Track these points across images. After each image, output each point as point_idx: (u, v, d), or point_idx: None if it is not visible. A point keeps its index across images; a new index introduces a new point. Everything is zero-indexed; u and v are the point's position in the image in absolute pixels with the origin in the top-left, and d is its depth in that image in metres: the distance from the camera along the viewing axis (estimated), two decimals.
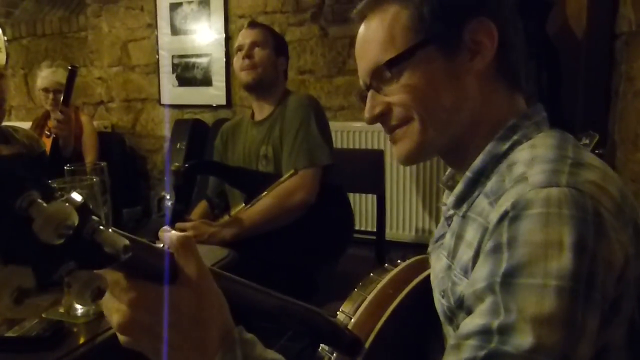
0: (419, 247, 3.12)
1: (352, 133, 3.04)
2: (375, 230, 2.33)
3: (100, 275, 0.42)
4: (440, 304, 0.76)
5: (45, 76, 3.19)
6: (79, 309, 0.97)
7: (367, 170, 2.26)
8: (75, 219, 0.38)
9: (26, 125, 3.38)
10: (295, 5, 3.23)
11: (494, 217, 0.63)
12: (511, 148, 0.72)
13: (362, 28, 0.81)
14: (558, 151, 0.66)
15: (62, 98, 2.01)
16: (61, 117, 1.98)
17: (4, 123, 2.07)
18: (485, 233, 0.64)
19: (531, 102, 0.78)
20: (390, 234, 2.94)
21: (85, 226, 0.40)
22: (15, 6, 4.32)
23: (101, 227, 0.40)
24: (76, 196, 0.40)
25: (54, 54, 4.03)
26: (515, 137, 0.72)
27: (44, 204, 0.37)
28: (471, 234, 0.70)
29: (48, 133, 3.25)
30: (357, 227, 2.48)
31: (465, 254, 0.70)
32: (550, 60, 1.88)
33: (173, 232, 0.52)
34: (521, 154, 0.69)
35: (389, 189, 2.94)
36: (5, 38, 4.22)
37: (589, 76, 2.04)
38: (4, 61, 4.19)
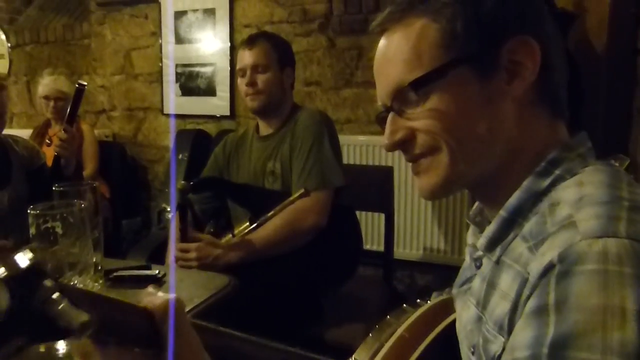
0: (427, 266, 3.04)
1: (359, 147, 2.94)
2: (382, 249, 2.24)
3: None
4: None
5: (47, 84, 3.14)
6: (60, 349, 0.87)
7: (376, 188, 2.17)
8: (3, 296, 0.29)
9: (27, 132, 3.33)
10: (303, 16, 3.15)
11: (535, 267, 0.54)
12: (553, 184, 0.62)
13: (382, 42, 0.71)
14: (611, 191, 0.56)
15: (66, 116, 1.91)
16: (65, 137, 1.89)
17: (5, 132, 1.99)
18: (525, 284, 0.55)
19: (574, 130, 0.69)
20: (398, 252, 2.84)
21: (35, 296, 0.31)
22: (20, 13, 4.27)
23: (55, 296, 0.31)
24: (21, 260, 0.31)
25: (57, 62, 3.98)
26: (557, 172, 0.63)
27: None
28: (507, 284, 0.61)
29: (48, 142, 3.18)
30: (364, 246, 2.39)
31: (499, 306, 0.61)
32: (571, 77, 1.77)
33: (157, 296, 0.43)
34: (566, 192, 0.59)
35: (397, 207, 2.84)
36: (9, 45, 4.19)
37: (610, 94, 1.95)
38: (6, 69, 4.15)
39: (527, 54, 0.64)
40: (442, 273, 2.75)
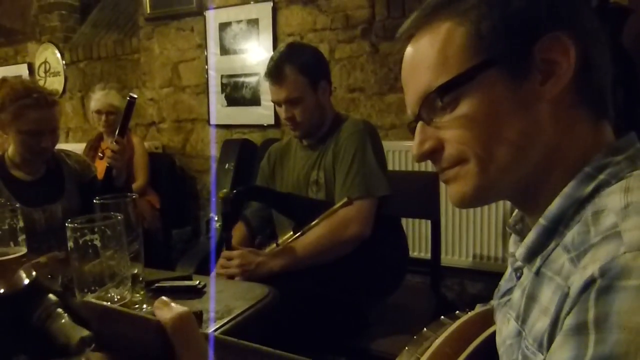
0: (476, 274, 2.95)
1: (404, 153, 2.89)
2: (429, 256, 2.19)
3: None
4: None
5: (98, 98, 3.25)
6: None
7: (421, 194, 2.12)
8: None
9: (82, 146, 3.45)
10: (345, 22, 3.14)
11: (576, 280, 0.49)
12: (597, 190, 0.58)
13: (409, 50, 0.69)
14: None
15: (118, 128, 1.97)
16: (116, 148, 1.94)
17: (61, 146, 2.07)
18: (565, 299, 0.51)
19: (620, 131, 0.64)
20: (446, 259, 2.77)
21: (36, 312, 0.30)
22: (74, 31, 4.45)
23: (57, 312, 0.31)
24: (22, 275, 0.30)
25: (109, 77, 4.11)
26: (601, 177, 0.58)
27: None
28: (547, 297, 0.57)
29: (101, 155, 3.29)
30: (410, 254, 2.34)
31: (539, 321, 0.57)
32: (627, 75, 1.69)
33: (170, 307, 0.42)
34: (611, 199, 0.55)
35: (444, 213, 2.77)
36: (64, 62, 4.37)
37: None
38: (61, 85, 4.32)
39: (560, 51, 0.60)
40: (493, 280, 2.62)
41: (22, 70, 4.54)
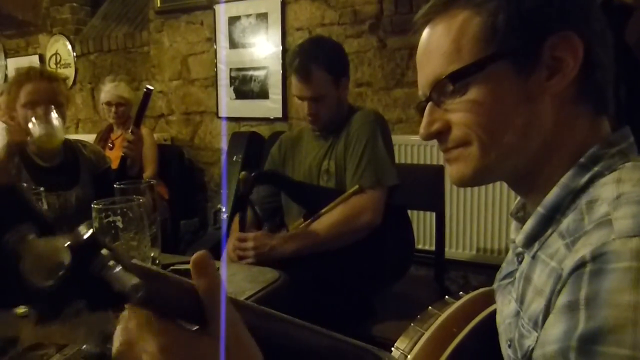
0: (480, 267, 2.98)
1: (410, 147, 2.94)
2: (434, 248, 2.23)
3: (110, 318, 0.37)
4: (506, 354, 0.67)
5: (108, 90, 3.29)
6: None
7: (427, 187, 2.16)
8: (66, 258, 0.33)
9: (92, 137, 3.50)
10: (353, 17, 3.18)
11: (569, 263, 0.54)
12: (591, 181, 0.62)
13: (425, 33, 0.72)
14: None
15: (134, 119, 2.02)
16: (132, 138, 1.99)
17: (74, 137, 2.12)
18: (559, 281, 0.55)
19: (617, 125, 0.67)
20: (450, 252, 2.81)
21: (93, 262, 0.35)
22: (84, 23, 4.50)
23: (111, 263, 0.35)
24: (82, 230, 0.35)
25: (119, 69, 4.16)
26: (596, 169, 0.62)
27: (36, 240, 0.32)
28: (542, 279, 0.61)
29: (111, 145, 3.34)
30: (415, 245, 2.38)
31: (534, 301, 0.61)
32: (630, 73, 1.72)
33: (202, 275, 0.46)
34: (604, 189, 0.59)
35: (448, 206, 2.81)
36: (74, 54, 4.42)
37: None
38: (71, 78, 4.37)
39: (568, 50, 0.63)
40: (496, 273, 2.70)
41: (33, 61, 4.60)
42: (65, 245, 0.34)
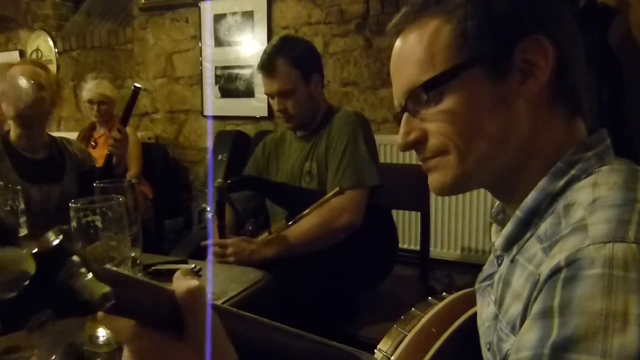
0: (464, 266, 3.00)
1: (396, 147, 2.93)
2: (419, 248, 2.23)
3: (75, 331, 0.36)
4: (486, 357, 0.67)
5: (90, 88, 3.24)
6: (101, 337, 0.91)
7: (412, 186, 2.16)
8: (31, 267, 0.31)
9: (74, 135, 3.45)
10: (340, 16, 3.17)
11: (545, 268, 0.53)
12: (568, 184, 0.62)
13: (398, 43, 0.72)
14: (625, 193, 0.55)
15: (121, 117, 2.00)
16: (118, 136, 1.97)
17: (56, 134, 2.09)
18: (536, 286, 0.55)
19: (593, 128, 0.68)
20: (435, 252, 2.82)
21: (61, 271, 0.33)
22: (67, 19, 4.44)
23: (81, 271, 0.34)
24: (51, 237, 0.33)
25: (102, 66, 4.11)
26: (573, 172, 0.62)
27: None
28: (520, 283, 0.61)
29: (94, 144, 3.30)
30: (400, 245, 2.38)
31: (512, 306, 0.61)
32: (612, 74, 1.73)
33: (181, 281, 0.45)
34: (581, 193, 0.59)
35: (433, 206, 2.81)
36: (56, 50, 4.35)
37: None
38: (54, 72, 4.31)
39: (540, 53, 0.64)
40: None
41: (13, 57, 4.52)
42: (31, 253, 0.32)
